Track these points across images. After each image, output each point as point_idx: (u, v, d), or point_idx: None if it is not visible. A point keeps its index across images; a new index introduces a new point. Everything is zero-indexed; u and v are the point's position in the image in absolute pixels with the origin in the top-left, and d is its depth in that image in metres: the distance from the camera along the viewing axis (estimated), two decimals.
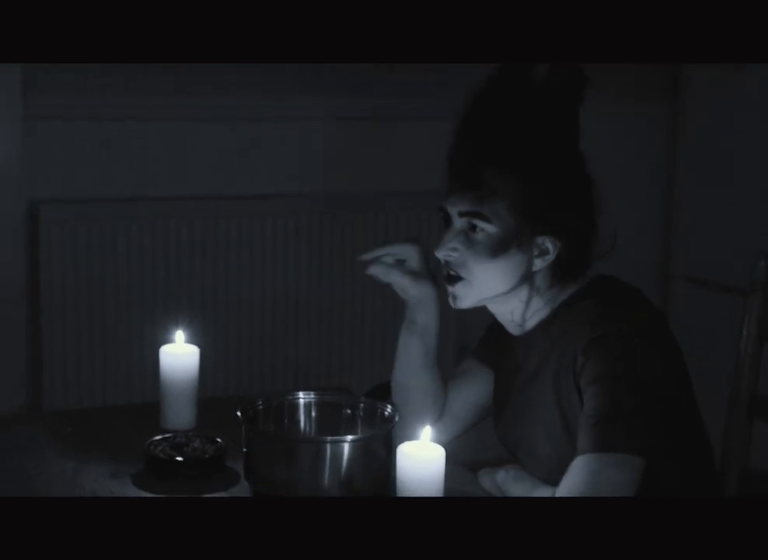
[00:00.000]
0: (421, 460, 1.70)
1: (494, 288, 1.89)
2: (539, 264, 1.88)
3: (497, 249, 1.85)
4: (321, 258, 3.61)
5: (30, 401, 3.35)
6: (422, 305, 2.02)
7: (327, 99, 3.62)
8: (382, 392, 2.17)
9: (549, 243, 1.86)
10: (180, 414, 2.10)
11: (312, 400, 1.99)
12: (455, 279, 1.89)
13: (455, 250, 1.88)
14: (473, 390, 2.10)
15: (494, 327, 2.05)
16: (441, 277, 1.93)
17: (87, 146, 3.39)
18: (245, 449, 1.87)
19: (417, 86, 3.68)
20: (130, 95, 3.40)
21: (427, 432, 1.72)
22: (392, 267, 2.00)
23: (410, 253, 2.01)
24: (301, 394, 1.99)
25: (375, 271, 2.00)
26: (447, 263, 1.90)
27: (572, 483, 1.74)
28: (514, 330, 1.96)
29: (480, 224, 1.85)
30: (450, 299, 1.92)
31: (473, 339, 3.55)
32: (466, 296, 1.91)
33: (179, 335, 2.13)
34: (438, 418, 2.06)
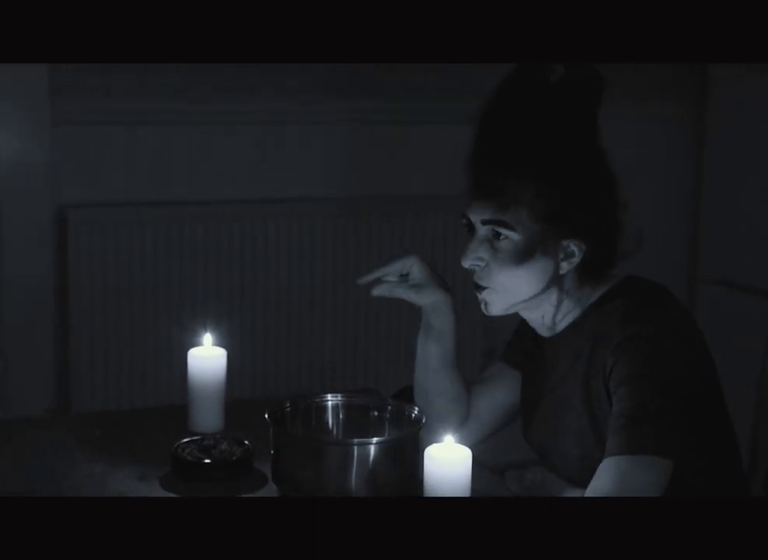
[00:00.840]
0: (448, 461, 1.69)
1: (523, 293, 1.89)
2: (565, 266, 1.88)
3: (522, 255, 1.85)
4: (347, 259, 3.61)
5: (59, 404, 3.37)
6: (436, 310, 2.03)
7: (345, 103, 3.63)
8: (410, 394, 2.17)
9: (574, 246, 1.86)
10: (208, 417, 2.10)
11: (339, 402, 1.99)
12: (484, 287, 1.90)
13: (480, 259, 1.88)
14: (500, 394, 2.10)
15: (522, 329, 2.05)
16: (471, 284, 1.92)
17: (115, 150, 3.41)
18: (272, 452, 1.87)
19: (435, 90, 3.68)
20: (156, 99, 3.42)
21: (451, 436, 1.72)
22: (395, 284, 2.02)
23: (409, 266, 2.03)
24: (328, 396, 1.99)
25: (379, 291, 2.03)
26: (474, 272, 1.90)
27: (600, 484, 1.74)
28: (545, 332, 1.97)
29: (504, 232, 1.84)
30: (482, 306, 1.93)
31: (499, 342, 3.54)
32: (496, 303, 1.91)
33: (207, 338, 2.14)
34: (462, 421, 2.07)
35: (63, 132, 3.31)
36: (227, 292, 3.50)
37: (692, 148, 4.04)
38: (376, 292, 2.03)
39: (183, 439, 2.01)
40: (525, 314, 1.96)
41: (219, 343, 2.14)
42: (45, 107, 3.28)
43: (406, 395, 2.13)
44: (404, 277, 2.04)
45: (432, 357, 2.07)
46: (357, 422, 1.97)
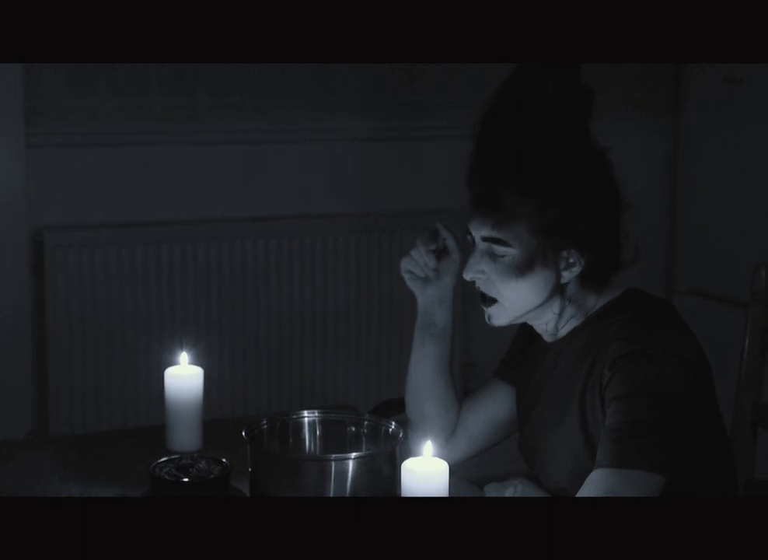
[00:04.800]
0: (425, 475, 1.70)
1: (526, 304, 1.91)
2: (567, 276, 1.89)
3: (522, 268, 1.87)
4: (325, 277, 3.62)
5: (37, 426, 3.36)
6: (443, 303, 2.07)
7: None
8: (387, 409, 2.17)
9: (574, 256, 1.88)
10: (186, 436, 2.10)
11: (316, 418, 1.99)
12: (489, 301, 1.92)
13: (482, 271, 1.90)
14: (491, 408, 2.11)
15: (519, 339, 2.08)
16: (476, 297, 1.95)
17: (90, 172, 3.40)
18: (250, 469, 1.87)
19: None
20: (132, 120, 3.43)
21: (428, 447, 1.72)
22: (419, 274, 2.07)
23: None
24: (305, 413, 2.00)
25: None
26: (477, 284, 1.92)
27: (587, 495, 1.74)
28: (548, 338, 1.98)
29: (501, 250, 1.87)
30: (486, 318, 1.94)
31: (479, 355, 3.55)
32: (501, 316, 1.93)
33: (183, 357, 2.14)
34: (449, 429, 2.08)
35: (38, 154, 3.31)
36: (203, 311, 3.50)
37: (667, 161, 4.06)
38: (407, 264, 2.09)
39: (160, 458, 2.00)
40: (529, 322, 1.98)
41: (196, 362, 2.15)
42: (20, 129, 3.27)
43: (384, 410, 2.14)
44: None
45: (432, 358, 2.09)
46: (335, 438, 1.98)
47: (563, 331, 1.95)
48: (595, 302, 1.93)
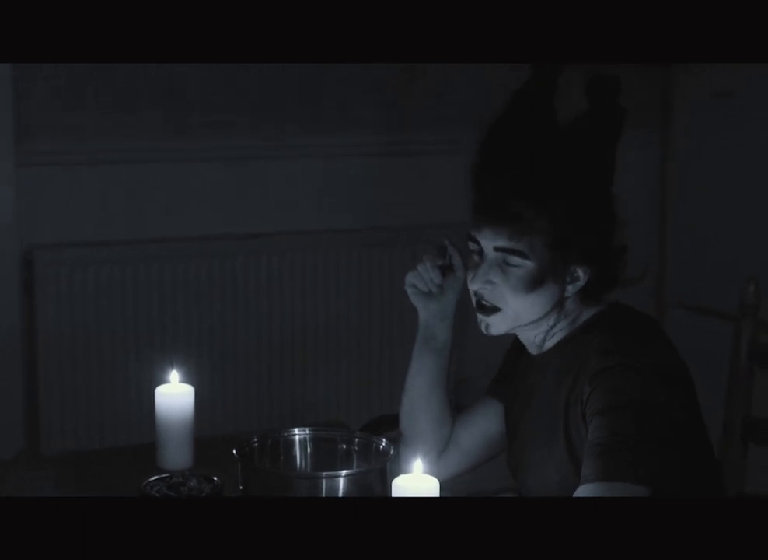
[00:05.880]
0: (415, 492, 1.70)
1: (528, 317, 1.91)
2: (570, 290, 1.90)
3: (534, 282, 1.86)
4: (315, 294, 3.62)
5: (28, 446, 3.35)
6: (445, 319, 2.06)
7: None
8: (379, 426, 2.17)
9: (580, 271, 1.88)
10: (177, 454, 2.09)
11: (307, 435, 1.99)
12: (491, 310, 1.90)
13: (490, 282, 1.88)
14: (484, 424, 2.11)
15: (510, 355, 2.08)
16: (473, 305, 1.94)
17: (81, 190, 3.40)
18: (241, 487, 1.87)
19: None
20: (123, 137, 3.43)
21: (419, 464, 1.73)
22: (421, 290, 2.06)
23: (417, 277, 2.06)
24: (296, 430, 2.00)
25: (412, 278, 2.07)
26: (480, 294, 1.91)
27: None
28: (533, 350, 1.98)
29: (518, 261, 1.85)
30: (482, 326, 1.93)
31: (472, 371, 3.55)
32: (500, 325, 1.92)
33: (174, 375, 2.14)
34: (441, 445, 2.09)
35: (28, 172, 3.31)
36: (195, 329, 3.49)
37: (656, 175, 4.07)
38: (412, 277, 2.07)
39: (151, 476, 2.00)
40: (519, 333, 1.98)
41: (186, 380, 2.15)
42: (10, 148, 3.28)
43: (374, 427, 2.14)
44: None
45: (430, 372, 2.08)
46: (326, 455, 1.97)
47: (549, 343, 1.95)
48: (580, 313, 1.94)
